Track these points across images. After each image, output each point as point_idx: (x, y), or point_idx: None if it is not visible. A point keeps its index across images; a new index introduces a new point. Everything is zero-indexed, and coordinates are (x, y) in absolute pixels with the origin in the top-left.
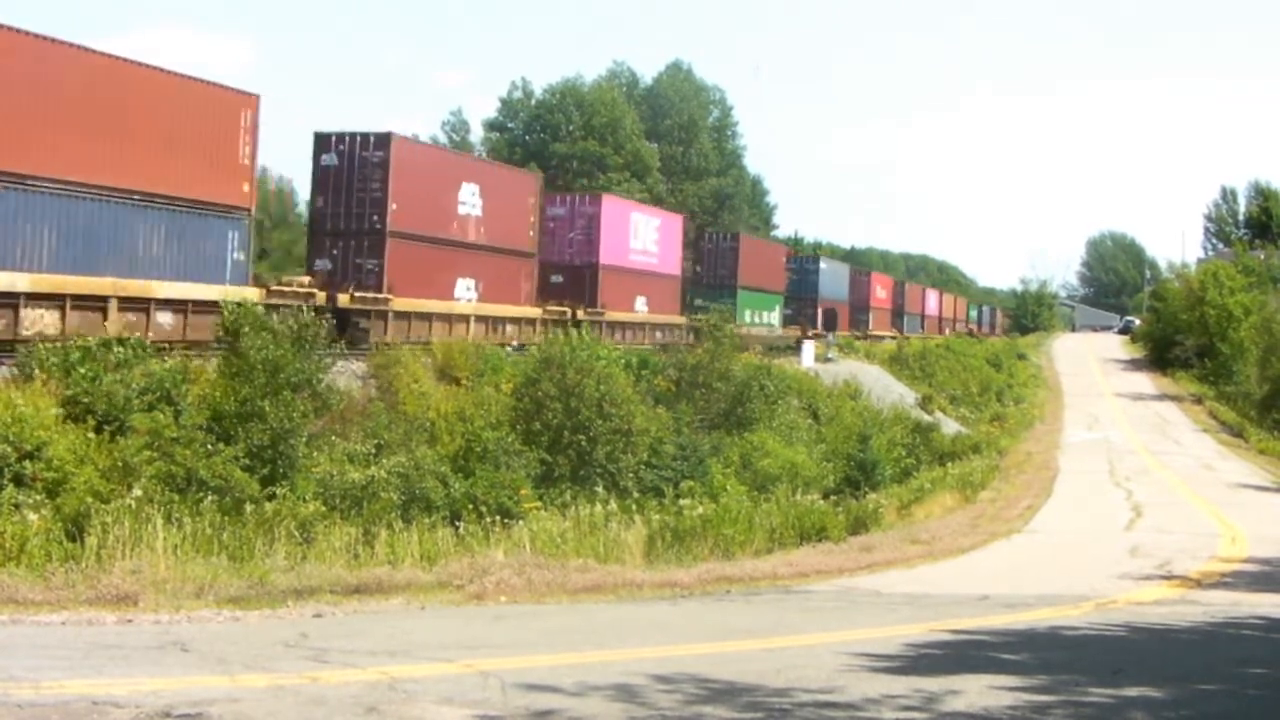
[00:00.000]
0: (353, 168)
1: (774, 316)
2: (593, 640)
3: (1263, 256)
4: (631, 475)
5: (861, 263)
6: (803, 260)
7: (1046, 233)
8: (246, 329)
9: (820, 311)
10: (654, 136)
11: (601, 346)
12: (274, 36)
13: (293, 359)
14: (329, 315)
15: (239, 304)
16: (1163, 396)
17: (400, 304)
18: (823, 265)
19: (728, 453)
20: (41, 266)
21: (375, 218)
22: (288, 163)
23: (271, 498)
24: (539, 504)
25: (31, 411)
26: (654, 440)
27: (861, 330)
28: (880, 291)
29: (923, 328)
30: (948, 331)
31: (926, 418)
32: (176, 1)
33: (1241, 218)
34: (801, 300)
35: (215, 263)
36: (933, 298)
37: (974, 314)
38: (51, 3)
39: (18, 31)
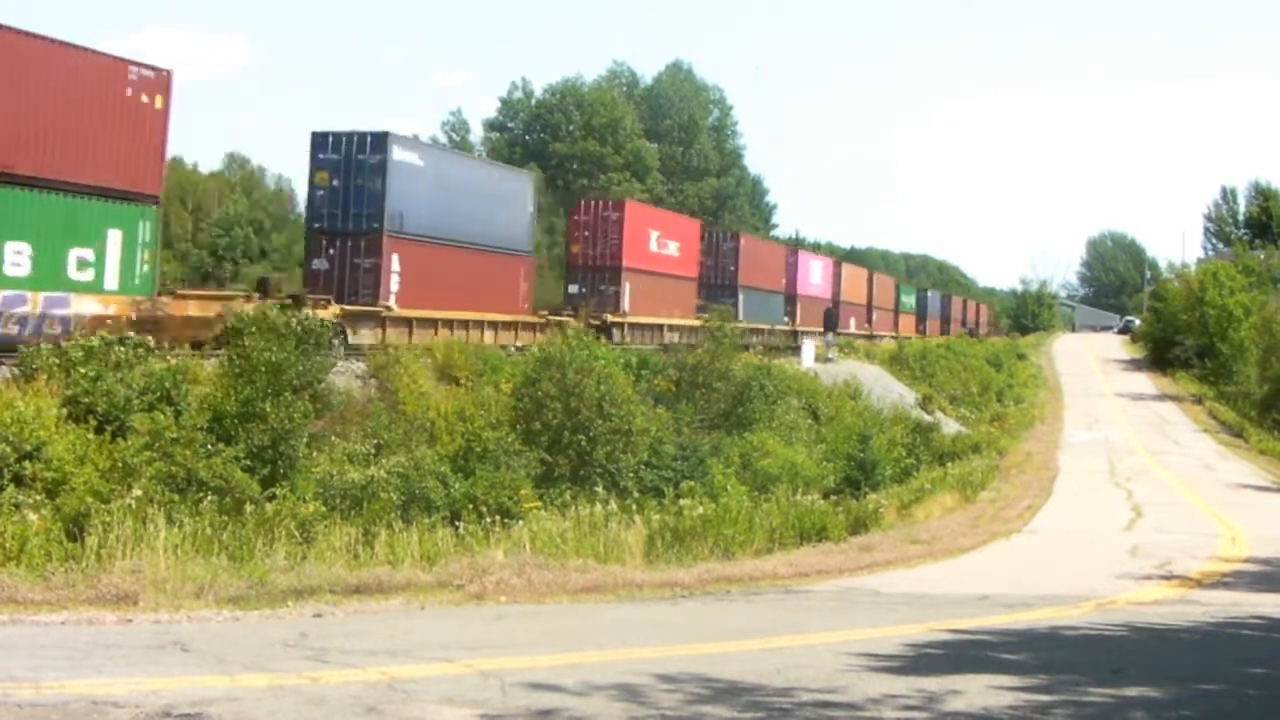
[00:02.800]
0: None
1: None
2: (593, 640)
3: (1263, 256)
4: (631, 475)
5: (862, 263)
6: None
7: (1046, 233)
8: (253, 330)
9: (798, 308)
10: (654, 136)
11: (601, 347)
12: (274, 37)
13: (295, 360)
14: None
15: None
16: (1163, 396)
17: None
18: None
19: (728, 453)
20: None
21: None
22: (288, 163)
23: (272, 498)
24: (539, 504)
25: (32, 411)
26: (654, 440)
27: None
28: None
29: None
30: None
31: (926, 418)
32: (177, 2)
33: (1241, 218)
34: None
35: None
36: (818, 268)
37: (909, 301)
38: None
39: None
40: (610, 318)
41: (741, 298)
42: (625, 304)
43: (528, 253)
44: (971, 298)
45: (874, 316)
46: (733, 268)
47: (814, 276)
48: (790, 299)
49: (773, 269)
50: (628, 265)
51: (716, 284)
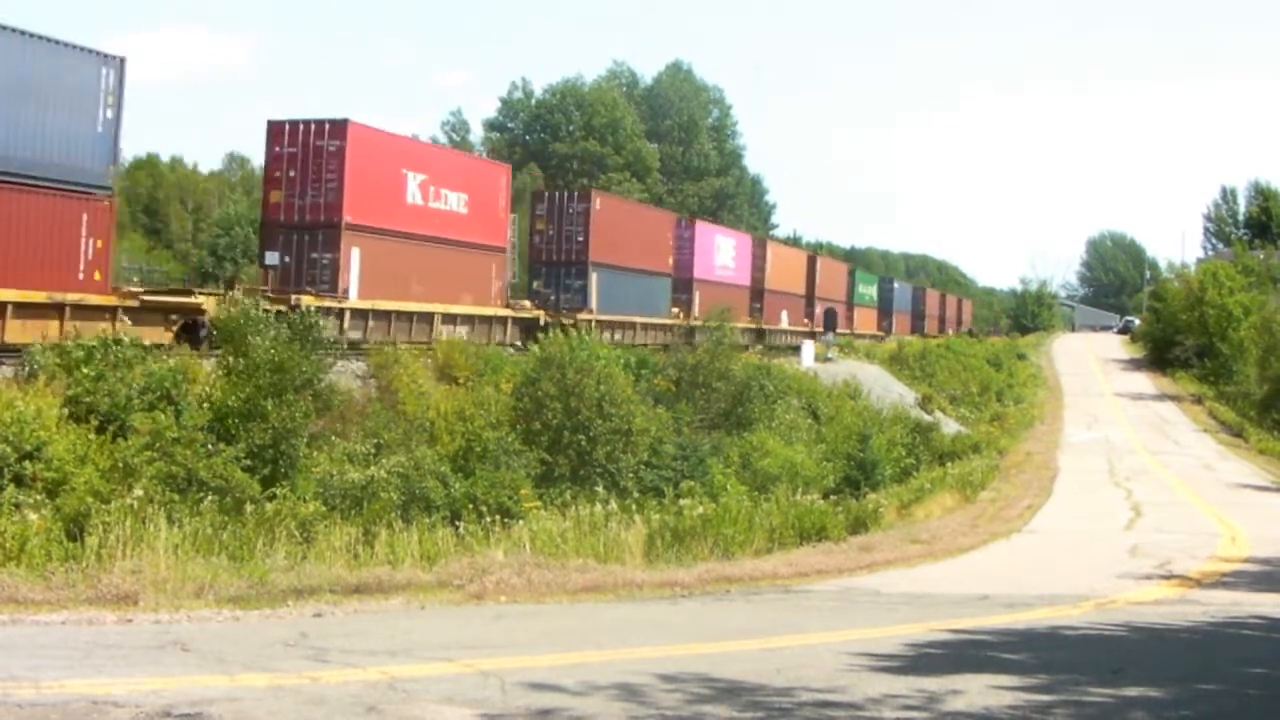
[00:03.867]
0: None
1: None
2: (593, 640)
3: (1262, 256)
4: (631, 475)
5: (862, 263)
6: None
7: (1046, 233)
8: (254, 330)
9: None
10: (654, 136)
11: (601, 347)
12: (275, 37)
13: (297, 360)
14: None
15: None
16: (1162, 396)
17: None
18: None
19: (728, 453)
20: None
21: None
22: None
23: (272, 498)
24: (539, 504)
25: (32, 411)
26: (654, 440)
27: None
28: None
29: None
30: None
31: (926, 417)
32: (179, 2)
33: (1241, 218)
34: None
35: None
36: (727, 246)
37: (868, 293)
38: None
39: None
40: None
41: (595, 279)
42: (593, 301)
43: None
44: (953, 292)
45: (816, 309)
46: (581, 238)
47: (721, 256)
48: (684, 284)
49: (652, 243)
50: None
51: (559, 260)
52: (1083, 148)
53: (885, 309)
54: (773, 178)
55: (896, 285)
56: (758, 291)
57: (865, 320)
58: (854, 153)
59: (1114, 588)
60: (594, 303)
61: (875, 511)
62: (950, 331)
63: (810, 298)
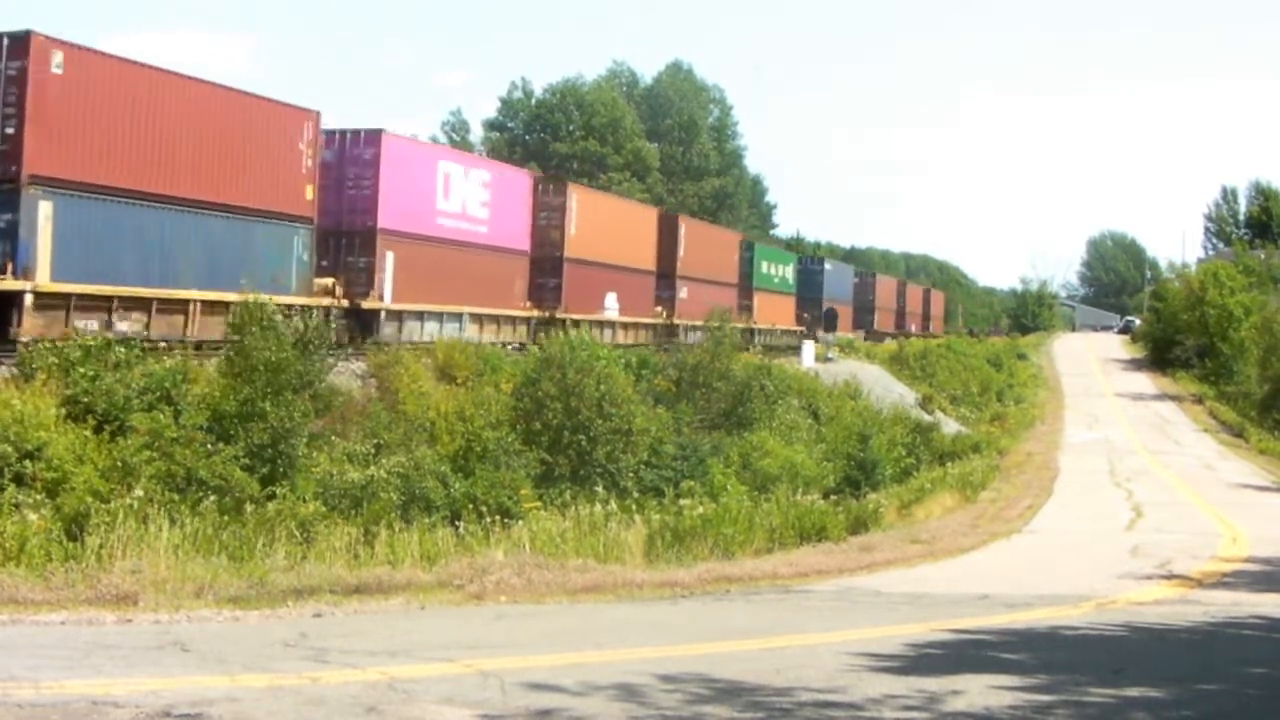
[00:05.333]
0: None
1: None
2: (593, 640)
3: (1263, 256)
4: (631, 475)
5: (862, 263)
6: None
7: (1046, 233)
8: (255, 329)
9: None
10: (654, 136)
11: (600, 347)
12: (276, 37)
13: (295, 360)
14: None
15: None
16: (1163, 396)
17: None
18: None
19: (728, 453)
20: None
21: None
22: None
23: (271, 498)
24: (539, 504)
25: (31, 411)
26: (654, 440)
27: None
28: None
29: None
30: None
31: (927, 417)
32: (180, 2)
33: (1242, 218)
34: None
35: None
36: (509, 193)
37: (780, 275)
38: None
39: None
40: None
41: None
42: (386, 287)
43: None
44: (917, 283)
45: (682, 293)
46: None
47: (473, 206)
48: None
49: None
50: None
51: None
52: (1083, 148)
53: (811, 297)
54: (773, 178)
55: (829, 268)
56: (551, 260)
57: (775, 309)
58: (854, 153)
59: (1114, 588)
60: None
61: (875, 511)
62: (913, 329)
63: (669, 274)
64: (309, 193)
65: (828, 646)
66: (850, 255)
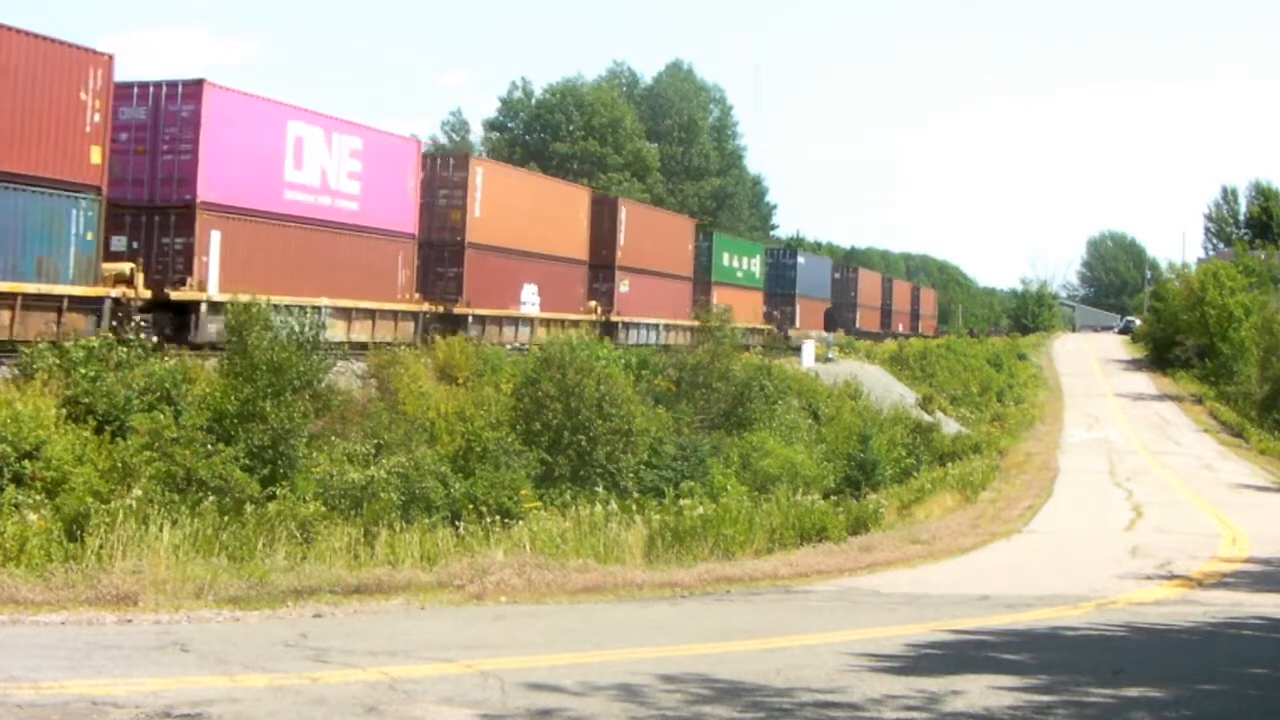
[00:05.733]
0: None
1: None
2: (593, 640)
3: (1263, 256)
4: (631, 475)
5: (862, 263)
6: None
7: (1046, 233)
8: (256, 329)
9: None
10: (654, 136)
11: (601, 347)
12: (277, 37)
13: (296, 360)
14: None
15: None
16: (1163, 396)
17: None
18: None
19: (728, 453)
20: None
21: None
22: None
23: (271, 498)
24: (539, 504)
25: (31, 411)
26: (654, 440)
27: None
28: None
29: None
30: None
31: (927, 418)
32: (183, 3)
33: (1242, 218)
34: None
35: None
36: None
37: (743, 268)
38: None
39: None
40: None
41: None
42: (211, 274)
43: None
44: (904, 279)
45: (623, 286)
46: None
47: (338, 178)
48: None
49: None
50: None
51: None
52: (1083, 148)
53: (782, 293)
54: (773, 178)
55: (802, 261)
56: (450, 247)
57: (740, 304)
58: (854, 153)
59: (1115, 588)
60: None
61: (875, 512)
62: (901, 329)
63: (607, 264)
64: (95, 155)
65: (828, 647)
66: (850, 255)
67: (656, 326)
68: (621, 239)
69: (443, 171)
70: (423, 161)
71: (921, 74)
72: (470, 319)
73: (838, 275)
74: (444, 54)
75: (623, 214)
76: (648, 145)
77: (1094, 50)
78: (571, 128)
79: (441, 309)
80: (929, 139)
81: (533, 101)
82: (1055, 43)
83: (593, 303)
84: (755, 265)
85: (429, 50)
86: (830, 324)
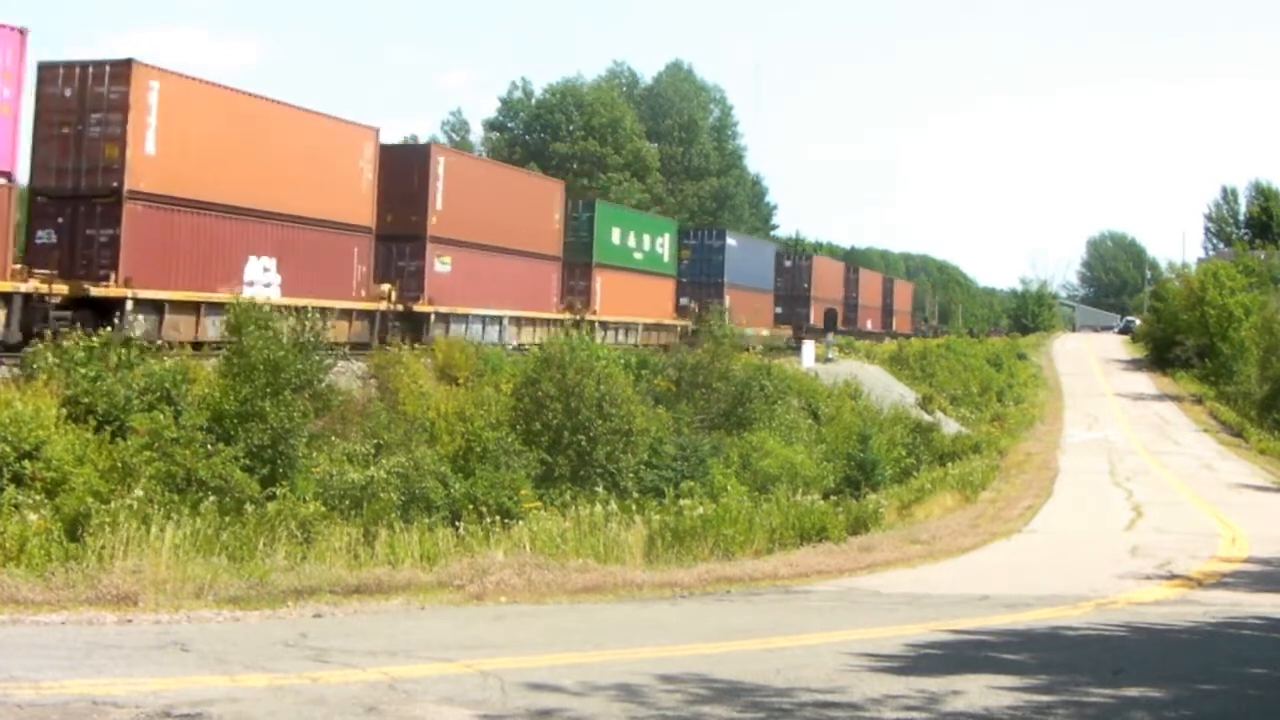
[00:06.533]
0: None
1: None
2: (593, 640)
3: (1263, 256)
4: (631, 475)
5: (862, 263)
6: None
7: (1046, 233)
8: (251, 328)
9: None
10: (654, 136)
11: (601, 347)
12: (278, 38)
13: (294, 359)
14: None
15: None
16: (1163, 396)
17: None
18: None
19: (728, 453)
20: None
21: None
22: None
23: (271, 498)
24: (539, 504)
25: (31, 411)
26: (654, 440)
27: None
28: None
29: None
30: None
31: (927, 418)
32: (184, 3)
33: (1242, 218)
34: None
35: None
36: None
37: (648, 251)
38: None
39: None
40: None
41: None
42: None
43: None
44: (875, 270)
45: (441, 264)
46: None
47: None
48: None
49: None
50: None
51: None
52: (1083, 148)
53: (706, 282)
54: (773, 178)
55: (734, 243)
56: (98, 198)
57: (628, 296)
58: (854, 153)
59: (1114, 588)
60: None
61: (875, 512)
62: (870, 327)
63: (414, 235)
64: None
65: (828, 647)
66: (850, 255)
67: (499, 320)
68: (438, 200)
69: (80, 85)
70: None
71: (921, 74)
72: (130, 302)
73: (788, 263)
74: (444, 54)
75: (439, 165)
76: (647, 145)
77: (1094, 50)
78: (571, 128)
79: (73, 290)
80: (929, 139)
81: (533, 101)
82: (1055, 43)
83: (386, 286)
84: (663, 246)
85: (429, 50)
86: (830, 323)
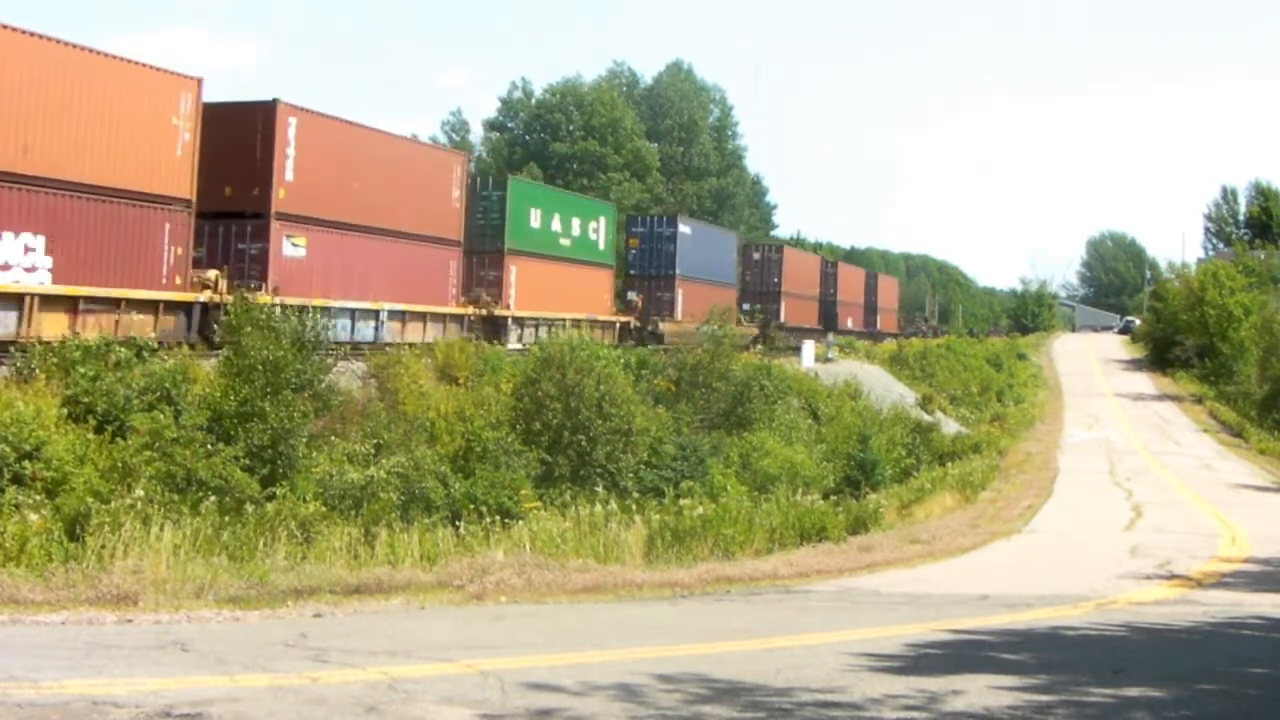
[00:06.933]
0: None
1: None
2: (593, 640)
3: (1263, 256)
4: (631, 475)
5: (862, 263)
6: None
7: (1046, 233)
8: (249, 328)
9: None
10: (654, 136)
11: (603, 347)
12: (278, 38)
13: (293, 359)
14: None
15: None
16: (1163, 396)
17: None
18: None
19: (728, 453)
20: None
21: None
22: None
23: (271, 498)
24: (539, 504)
25: (31, 411)
26: (654, 440)
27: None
28: None
29: None
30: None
31: (927, 418)
32: (185, 4)
33: (1242, 218)
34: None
35: None
36: None
37: (545, 235)
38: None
39: None
40: None
41: None
42: None
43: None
44: (856, 265)
45: (288, 247)
46: None
47: None
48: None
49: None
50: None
51: None
52: (1083, 148)
53: (655, 274)
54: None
55: (687, 230)
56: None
57: (567, 288)
58: (854, 153)
59: (1114, 588)
60: None
61: (875, 512)
62: (851, 325)
63: (256, 212)
64: None
65: (828, 646)
66: (850, 255)
67: (374, 315)
68: (287, 170)
69: None
70: None
71: (921, 74)
72: None
73: (756, 255)
74: (444, 54)
75: (289, 128)
76: (647, 145)
77: (1094, 50)
78: (571, 128)
79: None
80: (929, 139)
81: (533, 101)
82: (1055, 43)
83: (213, 272)
84: (597, 232)
85: (429, 50)
86: (829, 323)
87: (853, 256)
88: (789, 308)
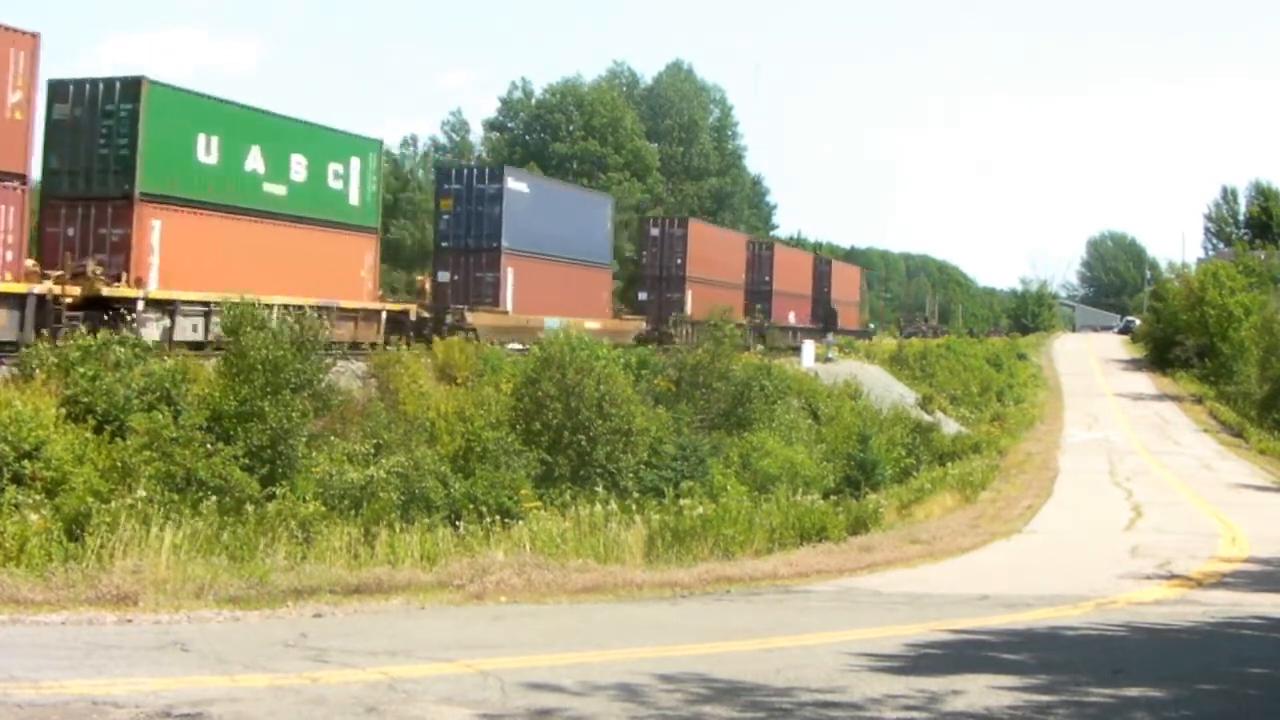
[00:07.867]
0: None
1: None
2: (593, 640)
3: (1263, 256)
4: (631, 475)
5: (862, 263)
6: None
7: (1046, 233)
8: (248, 328)
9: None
10: (654, 136)
11: (602, 346)
12: (278, 38)
13: (292, 359)
14: None
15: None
16: (1163, 396)
17: None
18: None
19: (728, 453)
20: None
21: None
22: None
23: (271, 498)
24: (539, 504)
25: (31, 411)
26: (654, 440)
27: None
28: None
29: None
30: None
31: (927, 418)
32: (185, 4)
33: (1242, 218)
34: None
35: None
36: None
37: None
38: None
39: None
40: None
41: None
42: None
43: None
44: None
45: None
46: None
47: None
48: None
49: None
50: None
51: None
52: (1083, 148)
53: (473, 246)
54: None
55: (522, 188)
56: None
57: (285, 261)
58: (854, 153)
59: (1114, 588)
60: None
61: (875, 512)
62: (794, 321)
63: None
64: None
65: (828, 647)
66: (850, 255)
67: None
68: None
69: None
70: None
71: (921, 74)
72: None
73: (655, 232)
74: (444, 54)
75: None
76: (647, 145)
77: (1094, 50)
78: (571, 128)
79: None
80: (929, 139)
81: (533, 102)
82: (1055, 43)
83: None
84: (343, 177)
85: (429, 50)
86: (829, 323)
87: (853, 256)
88: (698, 297)
